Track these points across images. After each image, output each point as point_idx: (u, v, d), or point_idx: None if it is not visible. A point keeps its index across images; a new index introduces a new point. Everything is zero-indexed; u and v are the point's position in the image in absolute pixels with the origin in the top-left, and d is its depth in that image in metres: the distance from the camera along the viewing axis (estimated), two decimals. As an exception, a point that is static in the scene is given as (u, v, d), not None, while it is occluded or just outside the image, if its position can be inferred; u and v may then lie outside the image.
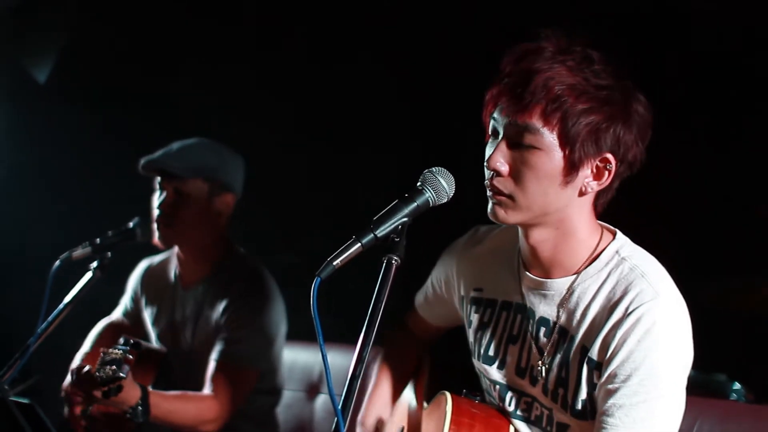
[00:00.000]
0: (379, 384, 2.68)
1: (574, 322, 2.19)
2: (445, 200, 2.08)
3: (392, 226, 1.99)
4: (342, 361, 3.07)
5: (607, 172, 2.15)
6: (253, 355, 3.43)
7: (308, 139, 4.68)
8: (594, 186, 2.16)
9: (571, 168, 2.12)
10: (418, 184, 2.06)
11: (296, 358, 3.83)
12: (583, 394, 2.17)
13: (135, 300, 3.77)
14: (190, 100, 4.70)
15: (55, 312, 3.03)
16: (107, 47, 4.89)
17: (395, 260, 1.97)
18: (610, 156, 2.13)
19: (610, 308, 2.13)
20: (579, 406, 2.18)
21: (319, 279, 1.91)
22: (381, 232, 1.97)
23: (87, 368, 3.02)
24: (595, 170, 2.15)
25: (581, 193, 2.17)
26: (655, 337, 2.07)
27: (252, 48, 4.72)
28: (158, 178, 3.52)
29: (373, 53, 4.41)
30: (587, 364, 2.15)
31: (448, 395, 2.38)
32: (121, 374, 2.92)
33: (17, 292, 4.43)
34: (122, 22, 4.84)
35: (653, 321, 2.07)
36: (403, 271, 2.01)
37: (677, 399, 2.11)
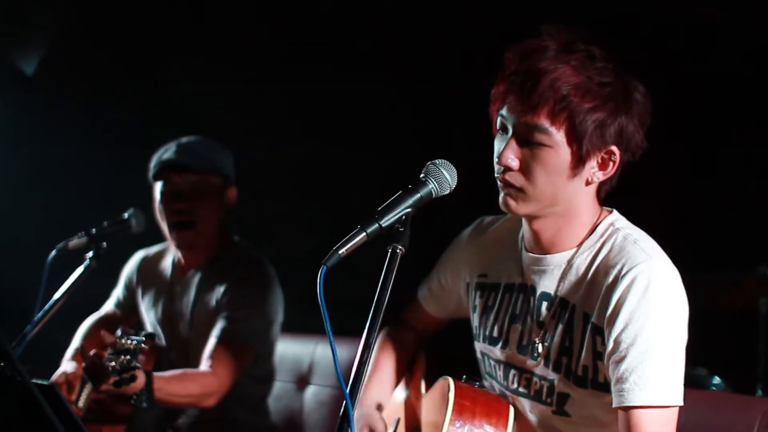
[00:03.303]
0: (378, 368, 2.73)
1: (574, 291, 2.28)
2: (448, 192, 2.13)
3: (396, 216, 2.03)
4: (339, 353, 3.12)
5: (612, 163, 2.25)
6: (252, 334, 3.48)
7: (294, 134, 4.71)
8: (600, 176, 2.26)
9: (578, 162, 2.21)
10: (422, 175, 2.11)
11: (285, 349, 3.86)
12: (584, 360, 2.24)
13: (129, 289, 3.79)
14: (181, 95, 4.72)
15: (52, 301, 3.05)
16: (98, 39, 4.90)
17: (400, 249, 2.01)
18: (614, 148, 2.23)
19: (605, 273, 2.21)
20: (580, 372, 2.25)
21: (325, 267, 1.93)
22: (386, 222, 2.02)
23: (95, 356, 3.02)
24: (600, 161, 2.25)
25: (587, 183, 2.27)
26: (653, 295, 2.14)
27: (241, 44, 4.75)
28: (160, 182, 3.50)
29: (362, 52, 4.45)
30: (590, 330, 2.22)
31: (450, 380, 2.44)
32: (136, 364, 2.92)
33: (12, 280, 4.43)
34: (113, 16, 4.85)
35: (648, 280, 2.14)
36: (407, 261, 2.06)
37: (683, 352, 2.17)
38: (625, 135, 2.23)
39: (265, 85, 4.73)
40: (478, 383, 2.50)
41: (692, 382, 3.40)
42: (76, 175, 4.80)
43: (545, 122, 2.18)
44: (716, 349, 3.65)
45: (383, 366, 2.74)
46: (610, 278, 2.19)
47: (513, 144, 2.23)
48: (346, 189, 4.48)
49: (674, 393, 2.15)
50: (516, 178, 2.24)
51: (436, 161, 2.13)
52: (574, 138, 2.19)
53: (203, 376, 3.33)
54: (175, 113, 4.62)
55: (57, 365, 3.47)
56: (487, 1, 4.03)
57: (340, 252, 1.97)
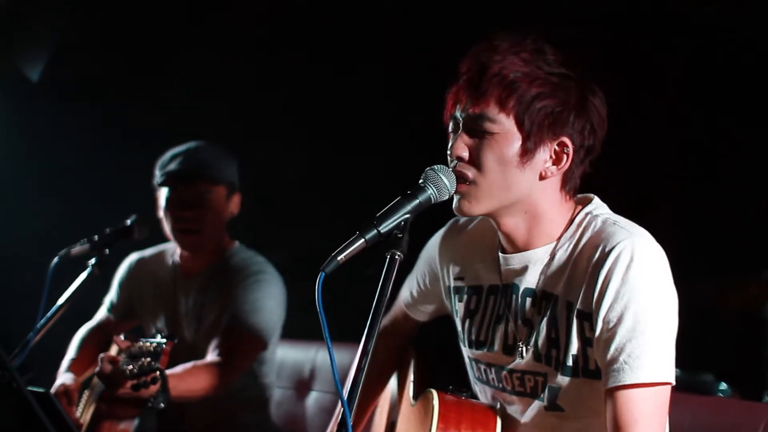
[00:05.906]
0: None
1: (555, 282, 2.23)
2: (447, 197, 2.12)
3: (395, 222, 2.02)
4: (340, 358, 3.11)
5: (565, 156, 2.20)
6: (259, 327, 3.46)
7: (299, 137, 4.72)
8: (554, 170, 2.21)
9: (527, 150, 2.17)
10: (420, 181, 2.10)
11: (286, 355, 3.86)
12: (573, 349, 2.19)
13: (126, 292, 3.76)
14: (187, 98, 4.73)
15: (54, 308, 3.06)
16: (103, 43, 4.92)
17: (398, 255, 1.99)
18: (566, 140, 2.19)
19: (588, 257, 2.17)
20: (570, 362, 2.20)
21: (323, 273, 1.93)
22: (384, 228, 2.01)
23: (110, 360, 3.02)
24: (553, 154, 2.20)
25: (542, 177, 2.21)
26: (637, 270, 2.09)
27: (245, 46, 4.76)
28: (166, 188, 3.51)
29: (365, 55, 4.45)
30: (576, 317, 2.18)
31: (434, 393, 2.40)
32: (158, 366, 2.90)
33: (15, 287, 4.44)
34: (118, 18, 4.87)
35: (631, 256, 2.10)
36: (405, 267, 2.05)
37: (673, 327, 2.12)
38: (576, 129, 2.18)
39: (269, 86, 4.73)
40: (465, 394, 2.46)
41: (699, 388, 3.40)
42: (77, 182, 4.81)
43: (493, 110, 2.16)
44: (722, 355, 3.63)
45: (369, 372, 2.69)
46: (594, 260, 2.14)
47: (464, 136, 2.20)
48: (347, 194, 4.47)
49: (665, 369, 2.09)
50: (468, 169, 2.19)
51: (435, 167, 2.12)
52: (522, 124, 2.15)
53: (213, 367, 3.32)
54: (179, 117, 4.62)
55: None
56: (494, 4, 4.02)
57: (339, 258, 1.96)
